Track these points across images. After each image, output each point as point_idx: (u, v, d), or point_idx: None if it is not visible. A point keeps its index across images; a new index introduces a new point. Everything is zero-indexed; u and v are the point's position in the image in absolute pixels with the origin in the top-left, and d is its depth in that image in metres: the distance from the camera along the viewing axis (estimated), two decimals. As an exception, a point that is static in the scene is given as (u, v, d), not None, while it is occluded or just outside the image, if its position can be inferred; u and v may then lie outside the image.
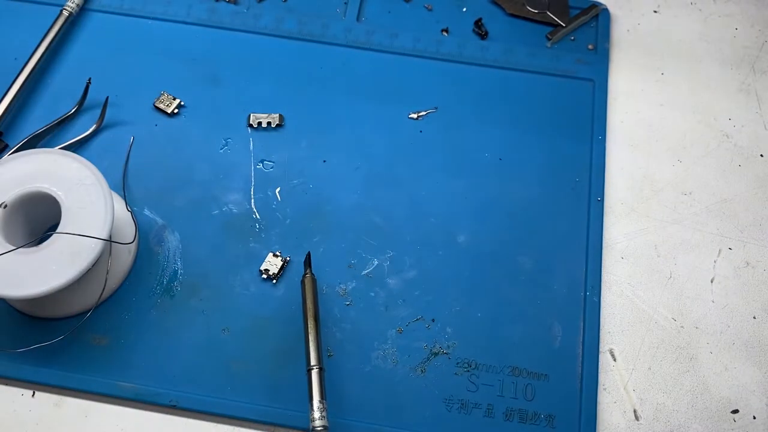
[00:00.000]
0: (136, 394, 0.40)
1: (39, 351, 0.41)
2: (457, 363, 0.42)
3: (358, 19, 0.54)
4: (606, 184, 0.48)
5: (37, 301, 0.41)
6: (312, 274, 0.41)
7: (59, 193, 0.40)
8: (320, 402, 0.35)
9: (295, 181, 0.48)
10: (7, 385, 0.41)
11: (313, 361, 0.37)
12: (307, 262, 0.41)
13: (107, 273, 0.41)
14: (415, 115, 0.50)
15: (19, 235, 0.41)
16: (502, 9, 0.55)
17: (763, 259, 0.46)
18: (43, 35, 0.51)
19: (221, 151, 0.48)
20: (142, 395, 0.40)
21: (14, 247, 0.38)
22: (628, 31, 0.55)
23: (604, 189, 0.48)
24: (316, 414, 0.35)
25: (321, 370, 0.36)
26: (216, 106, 0.50)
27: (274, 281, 0.44)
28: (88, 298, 0.42)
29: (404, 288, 0.44)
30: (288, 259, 0.44)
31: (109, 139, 0.49)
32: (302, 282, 0.41)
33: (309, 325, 0.38)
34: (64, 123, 0.49)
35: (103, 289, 0.42)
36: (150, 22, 0.54)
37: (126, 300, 0.43)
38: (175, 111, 0.50)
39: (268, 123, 0.49)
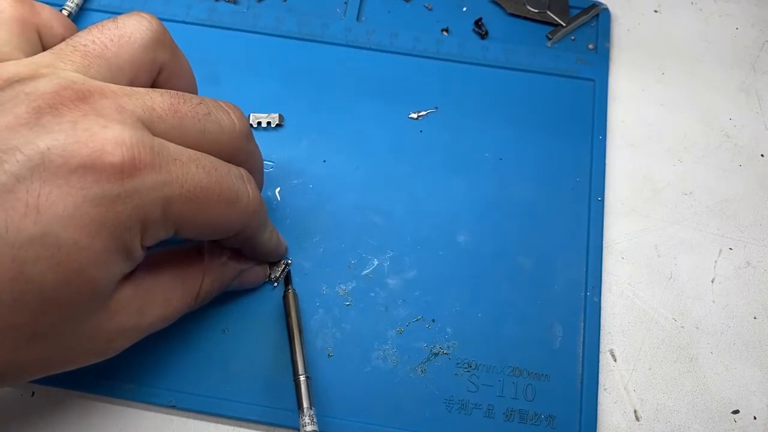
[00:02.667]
0: (136, 394, 0.40)
1: (39, 351, 0.41)
2: (458, 363, 0.42)
3: (358, 18, 0.54)
4: (606, 184, 0.48)
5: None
6: (293, 289, 0.42)
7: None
8: (309, 408, 0.37)
9: (295, 181, 0.47)
10: (6, 385, 0.41)
11: (301, 370, 0.38)
12: (288, 279, 0.43)
13: (107, 273, 0.41)
14: (415, 115, 0.50)
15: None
16: (502, 8, 0.55)
17: (764, 259, 0.46)
18: (42, 35, 0.51)
19: (221, 151, 0.48)
20: (142, 395, 0.40)
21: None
22: (628, 30, 0.55)
23: (604, 189, 0.48)
24: (306, 420, 0.36)
25: (308, 378, 0.38)
26: (216, 106, 0.50)
27: (275, 284, 0.43)
28: (88, 298, 0.42)
29: (404, 288, 0.44)
30: (290, 261, 0.44)
31: (109, 139, 0.49)
32: (284, 298, 0.42)
33: (295, 338, 0.40)
34: (63, 123, 0.49)
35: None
36: (150, 21, 0.53)
37: (126, 300, 0.43)
38: (175, 111, 0.50)
39: (268, 123, 0.49)
